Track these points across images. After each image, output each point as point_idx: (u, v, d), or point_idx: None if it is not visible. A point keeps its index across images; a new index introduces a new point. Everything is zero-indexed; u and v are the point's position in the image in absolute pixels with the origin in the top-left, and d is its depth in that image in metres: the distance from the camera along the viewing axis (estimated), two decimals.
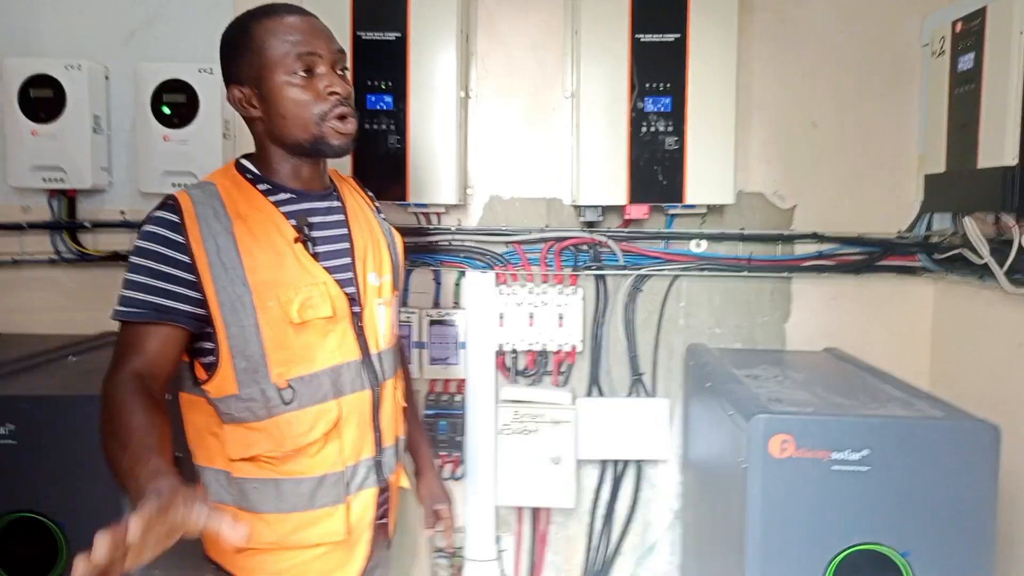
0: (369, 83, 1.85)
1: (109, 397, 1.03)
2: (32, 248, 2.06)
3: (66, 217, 2.03)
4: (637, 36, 1.84)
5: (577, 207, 2.00)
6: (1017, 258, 1.63)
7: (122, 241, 2.06)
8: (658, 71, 1.85)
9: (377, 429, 1.24)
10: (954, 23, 1.72)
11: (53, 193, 2.02)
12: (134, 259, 1.10)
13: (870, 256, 2.07)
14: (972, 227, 1.79)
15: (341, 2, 1.84)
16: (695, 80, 1.85)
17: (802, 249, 2.09)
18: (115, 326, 1.11)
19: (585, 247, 2.06)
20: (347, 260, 1.22)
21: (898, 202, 2.08)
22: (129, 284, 1.09)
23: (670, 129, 1.86)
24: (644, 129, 1.86)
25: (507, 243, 2.07)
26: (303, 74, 1.15)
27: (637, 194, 1.88)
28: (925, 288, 2.09)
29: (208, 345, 1.13)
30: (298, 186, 1.21)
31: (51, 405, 1.40)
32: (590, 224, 2.03)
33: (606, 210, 2.00)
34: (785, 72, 2.06)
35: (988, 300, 1.83)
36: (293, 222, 1.17)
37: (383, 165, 1.88)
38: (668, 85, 1.85)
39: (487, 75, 2.07)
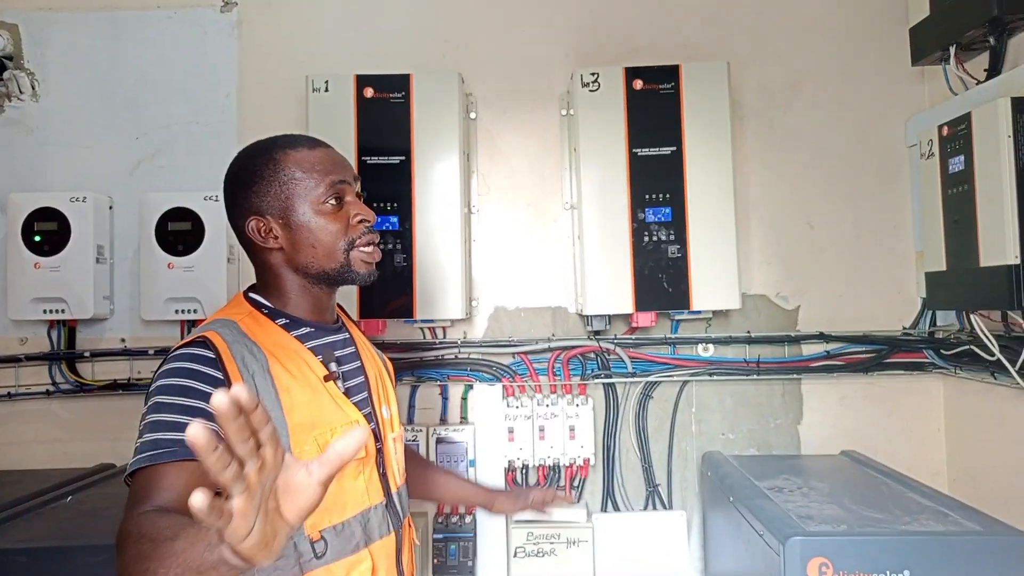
0: (375, 205, 1.87)
1: (134, 533, 0.85)
2: (28, 380, 2.02)
3: (65, 347, 2.00)
4: (634, 151, 1.89)
5: (583, 316, 1.99)
6: None
7: (120, 369, 2.03)
8: (657, 182, 1.89)
9: (400, 573, 1.18)
10: (940, 127, 1.78)
11: (53, 323, 1.99)
12: (161, 398, 0.97)
13: (878, 354, 2.06)
14: (979, 324, 1.79)
15: (346, 129, 1.88)
16: (693, 190, 1.89)
17: (809, 349, 2.09)
18: (111, 456, 1.01)
19: (592, 355, 2.05)
20: (365, 395, 1.19)
21: (900, 298, 2.10)
22: (154, 426, 0.96)
23: (672, 238, 1.88)
24: (646, 239, 1.88)
25: (514, 354, 2.05)
26: (333, 203, 1.14)
27: (643, 302, 1.88)
28: (935, 384, 2.07)
29: None
30: (315, 318, 1.18)
31: (50, 556, 1.33)
32: (596, 332, 2.02)
33: (612, 316, 2.00)
34: (779, 176, 2.11)
35: (1002, 396, 1.81)
36: (320, 357, 1.13)
37: (390, 283, 1.88)
38: (667, 196, 1.88)
39: (489, 190, 2.11)
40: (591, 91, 1.91)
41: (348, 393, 1.14)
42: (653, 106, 1.89)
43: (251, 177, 1.13)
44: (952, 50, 1.80)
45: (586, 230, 1.92)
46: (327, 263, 1.14)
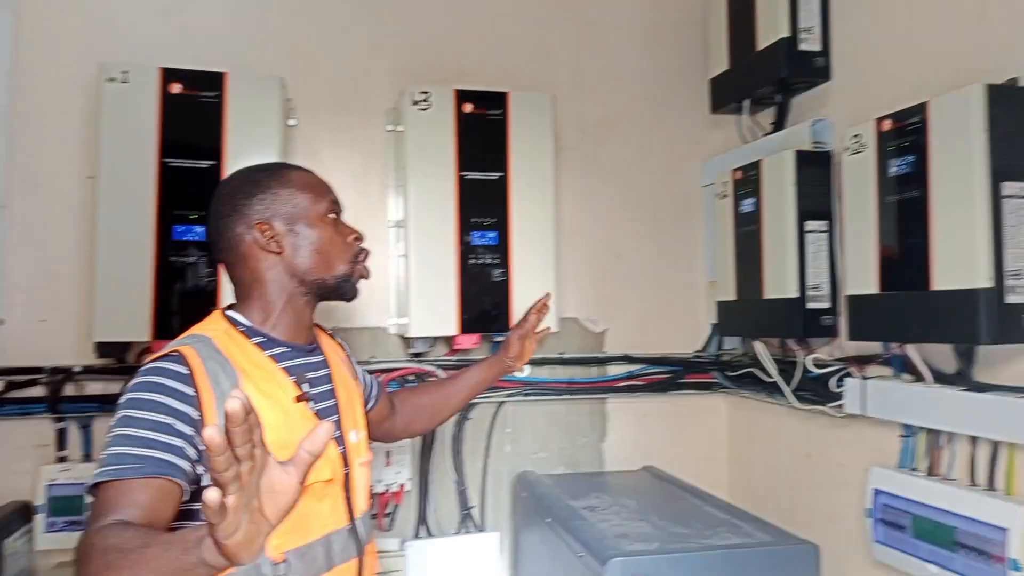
0: (174, 212, 1.69)
1: (99, 545, 0.85)
2: None
3: None
4: (463, 173, 1.88)
5: (405, 338, 1.95)
6: (802, 378, 1.85)
7: None
8: (484, 206, 1.90)
9: None
10: (734, 171, 1.97)
11: None
12: (131, 412, 0.98)
13: (674, 374, 2.24)
14: (761, 349, 2.00)
15: (147, 126, 1.69)
16: (517, 215, 1.93)
17: (615, 370, 2.21)
18: None
19: (413, 377, 2.00)
20: (336, 418, 1.19)
21: (693, 323, 2.29)
22: (122, 440, 0.96)
23: (497, 261, 1.90)
24: (473, 261, 1.88)
25: None
26: (333, 218, 1.22)
27: (468, 325, 1.88)
28: (721, 403, 2.29)
29: (198, 507, 0.97)
30: (292, 339, 1.19)
31: None
32: (417, 355, 1.98)
33: (435, 338, 1.97)
34: (592, 207, 2.23)
35: (777, 414, 2.04)
36: (293, 378, 1.14)
37: (197, 300, 1.70)
38: (494, 220, 1.91)
39: None
40: (421, 110, 1.88)
41: (318, 416, 1.15)
42: (482, 131, 1.91)
43: (256, 188, 1.17)
44: (746, 103, 2.01)
45: (413, 250, 1.88)
46: (327, 271, 1.19)
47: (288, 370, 1.15)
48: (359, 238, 1.26)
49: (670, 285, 2.29)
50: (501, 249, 1.91)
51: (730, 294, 1.99)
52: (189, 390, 1.01)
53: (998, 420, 1.30)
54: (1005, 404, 1.28)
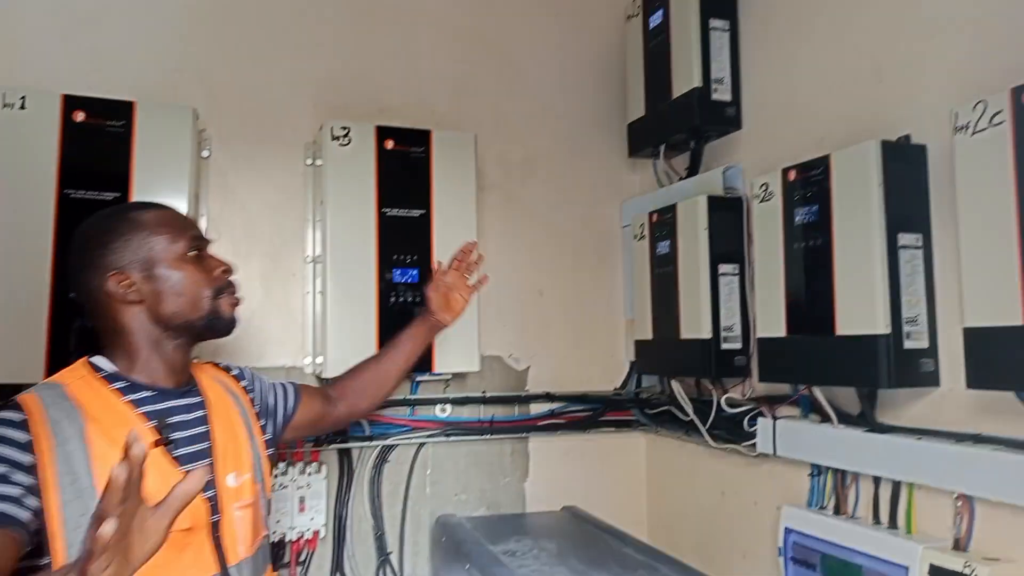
0: None
1: None
2: None
3: None
4: (384, 210, 1.86)
5: (321, 378, 1.89)
6: (716, 417, 1.89)
7: None
8: (405, 243, 1.88)
9: None
10: (651, 214, 2.02)
11: None
12: None
13: (594, 412, 2.25)
14: (677, 388, 2.04)
15: (46, 156, 1.59)
16: (440, 253, 1.91)
17: (537, 408, 2.21)
18: None
19: None
20: (208, 461, 1.15)
21: (613, 361, 2.32)
22: None
23: (419, 299, 1.87)
24: (393, 299, 1.85)
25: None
26: (195, 254, 1.18)
27: None
28: (639, 441, 2.31)
29: (43, 561, 0.97)
30: (161, 382, 1.16)
31: None
32: None
33: None
34: (514, 245, 2.23)
35: (694, 452, 2.07)
36: (153, 423, 1.10)
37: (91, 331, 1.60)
38: (415, 257, 1.88)
39: (219, 236, 1.91)
40: (342, 145, 1.85)
41: (182, 461, 1.11)
42: (404, 168, 1.89)
43: (108, 236, 1.14)
44: (661, 148, 2.07)
45: (331, 286, 1.83)
46: (193, 313, 1.17)
47: (148, 415, 1.11)
48: (228, 270, 1.24)
49: (591, 323, 2.31)
50: (423, 287, 1.88)
51: (647, 333, 2.03)
52: (22, 436, 0.99)
53: (897, 461, 1.35)
54: (904, 445, 1.34)
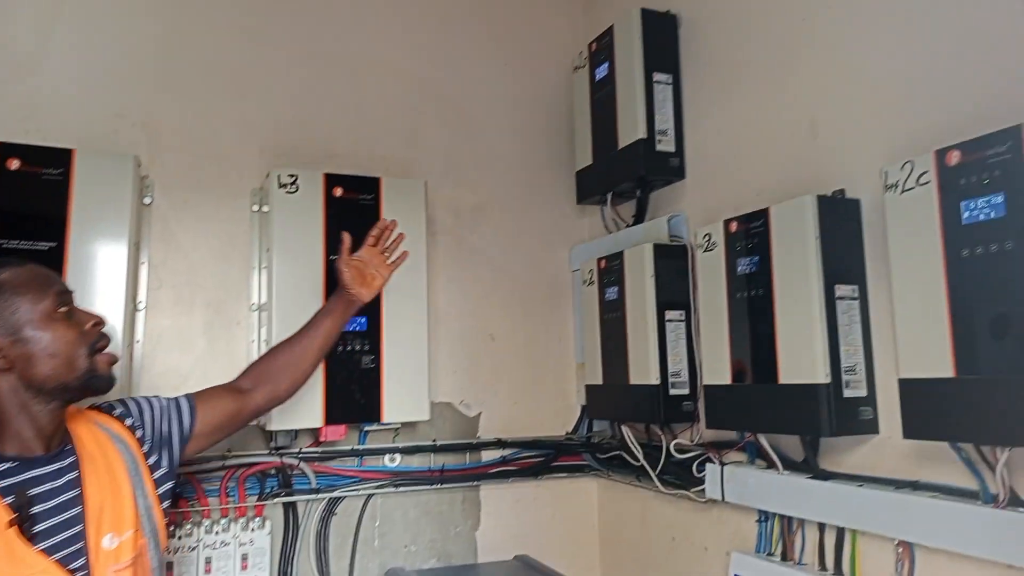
0: None
1: None
2: None
3: None
4: (332, 258, 1.84)
5: (266, 431, 1.84)
6: (666, 462, 1.90)
7: None
8: None
9: None
10: (599, 260, 2.04)
11: None
12: None
13: (546, 457, 2.24)
14: (628, 433, 2.04)
15: None
16: (389, 301, 1.89)
17: (488, 455, 2.18)
18: None
19: (273, 471, 1.89)
20: (79, 528, 1.10)
21: (564, 405, 2.32)
22: None
23: (367, 348, 1.85)
24: (341, 348, 1.82)
25: (179, 474, 1.79)
26: (63, 311, 1.14)
27: (334, 415, 1.80)
28: (591, 485, 2.31)
29: None
30: (29, 449, 1.11)
31: None
32: (279, 448, 1.87)
33: (298, 431, 1.87)
34: (465, 291, 2.23)
35: (644, 497, 2.07)
36: (10, 499, 1.04)
37: None
38: (364, 305, 1.86)
39: (161, 285, 1.87)
40: (289, 192, 1.83)
41: (44, 535, 1.05)
42: (353, 215, 1.88)
43: None
44: (609, 196, 2.10)
45: (276, 335, 1.79)
46: (68, 374, 1.12)
47: (7, 489, 1.05)
48: (99, 323, 1.19)
49: (542, 367, 2.31)
50: (371, 335, 1.87)
51: (598, 378, 2.04)
52: None
53: (840, 508, 1.37)
54: (846, 493, 1.36)
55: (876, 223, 1.36)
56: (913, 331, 1.16)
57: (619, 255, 1.94)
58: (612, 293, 1.98)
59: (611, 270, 1.98)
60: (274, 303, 1.80)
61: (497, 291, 2.28)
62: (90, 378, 1.15)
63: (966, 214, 1.07)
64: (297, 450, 1.91)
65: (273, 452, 1.88)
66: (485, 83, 2.32)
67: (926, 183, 1.13)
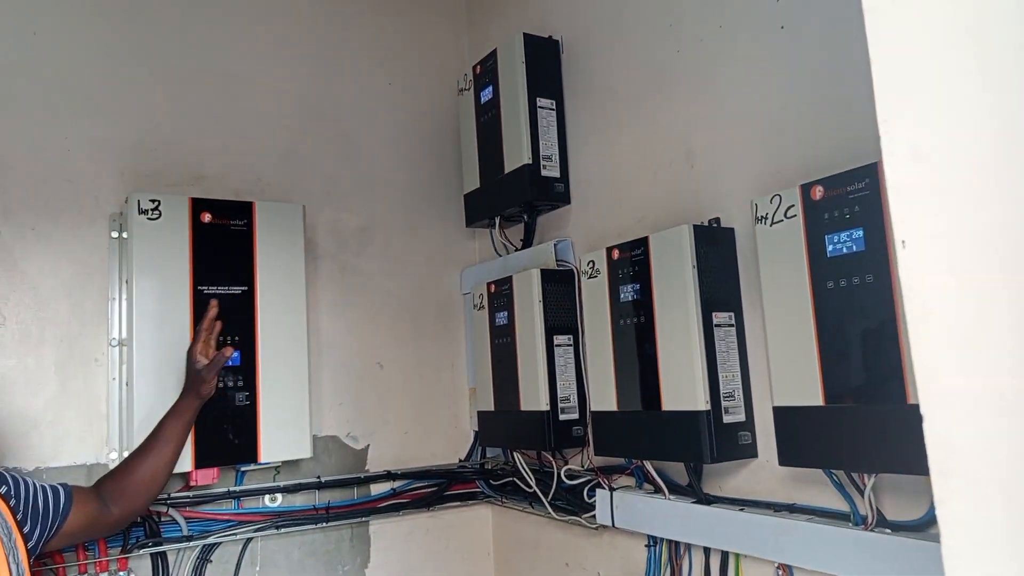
0: None
1: None
2: None
3: None
4: (199, 288, 1.72)
5: None
6: (557, 489, 1.88)
7: None
8: (225, 323, 1.74)
9: None
10: (489, 284, 2.01)
11: None
12: None
13: (439, 487, 2.17)
14: (520, 459, 2.02)
15: None
16: (265, 332, 1.79)
17: (378, 488, 2.10)
18: None
19: (138, 520, 1.73)
20: None
21: (457, 432, 2.27)
22: None
23: (240, 384, 1.74)
24: None
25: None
26: None
27: (205, 457, 1.68)
28: (485, 512, 2.26)
29: None
30: None
31: None
32: None
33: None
34: (350, 317, 2.14)
35: (538, 523, 2.05)
36: None
37: None
38: (236, 338, 1.75)
39: (4, 321, 1.69)
40: (151, 219, 1.70)
41: None
42: (223, 242, 1.77)
43: None
44: (497, 220, 2.08)
45: (137, 373, 1.66)
46: None
47: None
48: None
49: (433, 394, 2.25)
50: (246, 370, 1.76)
51: (489, 404, 2.00)
52: None
53: (723, 532, 1.39)
54: (727, 517, 1.38)
55: (750, 252, 1.39)
56: (785, 360, 1.19)
57: (508, 280, 1.92)
58: (502, 318, 1.96)
59: (501, 295, 1.95)
60: (135, 338, 1.66)
61: (385, 316, 2.20)
62: None
63: (830, 247, 1.10)
64: (165, 496, 1.76)
65: None
66: (368, 102, 2.25)
67: (793, 216, 1.16)
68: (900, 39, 0.48)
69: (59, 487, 1.41)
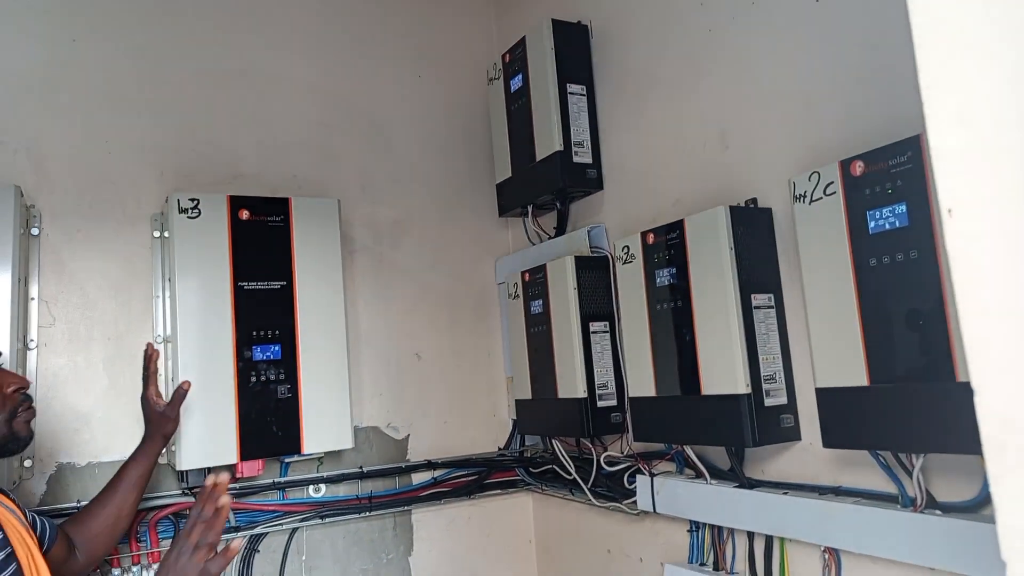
0: None
1: None
2: None
3: None
4: (240, 284, 1.75)
5: (178, 470, 1.73)
6: (597, 475, 1.88)
7: None
8: (265, 318, 1.77)
9: None
10: (523, 273, 2.01)
11: None
12: None
13: (479, 475, 2.19)
14: (559, 447, 2.02)
15: None
16: (305, 325, 1.82)
17: (419, 478, 2.12)
18: None
19: (187, 512, 1.78)
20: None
21: (496, 421, 2.28)
22: None
23: (282, 377, 1.77)
24: (254, 379, 1.73)
25: None
26: None
27: (250, 449, 1.72)
28: (526, 500, 2.27)
29: None
30: None
31: None
32: (193, 488, 1.76)
33: (211, 469, 1.77)
34: (388, 309, 2.16)
35: (579, 510, 2.05)
36: None
37: None
38: (277, 332, 1.78)
39: (55, 321, 1.74)
40: (191, 218, 1.73)
41: None
42: (262, 238, 1.79)
43: None
44: (529, 209, 2.07)
45: (182, 369, 1.69)
46: None
47: None
48: (21, 387, 1.22)
49: (471, 384, 2.26)
50: (287, 363, 1.78)
51: (527, 393, 2.00)
52: None
53: (767, 516, 1.37)
54: (771, 501, 1.36)
55: (788, 232, 1.37)
56: (827, 341, 1.17)
57: (542, 268, 1.91)
58: (537, 306, 1.96)
59: (535, 283, 1.95)
60: (179, 335, 1.70)
61: (421, 308, 2.22)
62: (8, 442, 1.19)
63: (872, 224, 1.08)
64: None
65: (186, 492, 1.77)
66: (398, 96, 2.26)
67: (833, 193, 1.14)
68: (942, 2, 0.46)
69: (47, 521, 1.38)
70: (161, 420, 1.56)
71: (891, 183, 1.05)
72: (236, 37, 2.06)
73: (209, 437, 1.68)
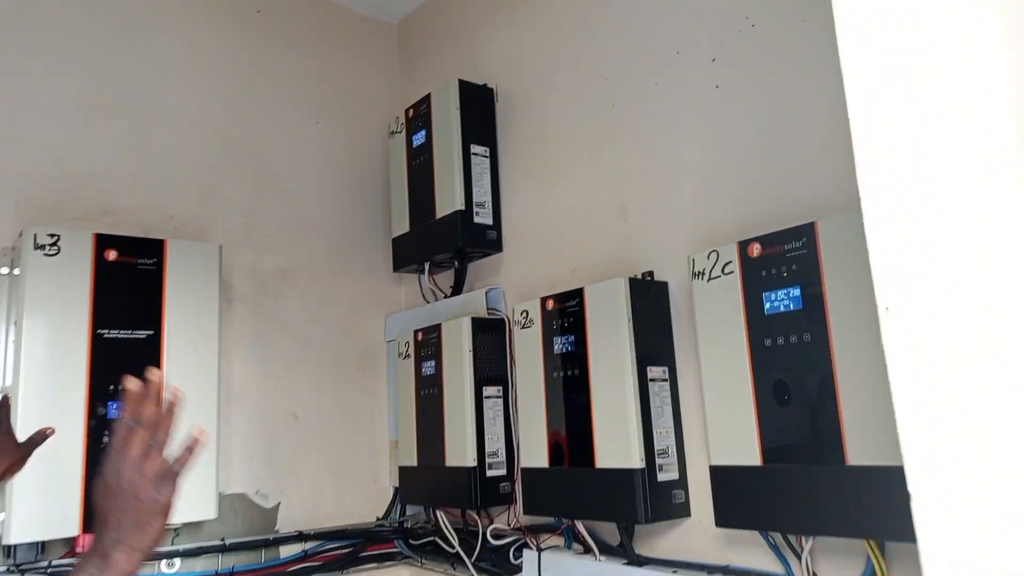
0: None
1: None
2: None
3: None
4: (99, 331, 1.58)
5: (4, 544, 1.50)
6: (483, 549, 1.79)
7: None
8: (126, 371, 1.57)
9: None
10: (416, 332, 1.94)
11: None
12: None
13: (354, 548, 2.04)
14: (443, 518, 1.92)
15: None
16: (173, 377, 1.64)
17: (288, 550, 1.95)
18: None
19: None
20: None
21: (375, 488, 2.15)
22: None
23: None
24: (107, 439, 1.55)
25: None
26: None
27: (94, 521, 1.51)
28: (404, 575, 2.14)
29: None
30: None
31: None
32: (19, 565, 1.53)
33: (47, 543, 1.55)
34: (266, 364, 2.02)
35: None
36: None
37: None
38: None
39: None
40: (48, 255, 1.56)
41: None
42: (129, 282, 1.64)
43: None
44: (426, 266, 2.02)
45: (21, 424, 1.48)
46: None
47: None
48: None
49: (351, 447, 2.13)
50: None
51: (412, 459, 1.91)
52: None
53: None
54: None
55: (684, 306, 1.38)
56: (722, 418, 1.17)
57: (437, 328, 1.85)
58: (429, 367, 1.88)
59: (428, 343, 1.88)
60: (20, 386, 1.50)
61: (302, 364, 2.09)
62: None
63: (768, 304, 1.10)
64: (46, 563, 1.58)
65: (12, 570, 1.54)
66: (293, 141, 2.17)
67: (731, 272, 1.16)
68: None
69: None
70: (11, 449, 1.24)
71: (787, 267, 1.08)
72: (116, 64, 1.91)
73: (48, 505, 1.48)
